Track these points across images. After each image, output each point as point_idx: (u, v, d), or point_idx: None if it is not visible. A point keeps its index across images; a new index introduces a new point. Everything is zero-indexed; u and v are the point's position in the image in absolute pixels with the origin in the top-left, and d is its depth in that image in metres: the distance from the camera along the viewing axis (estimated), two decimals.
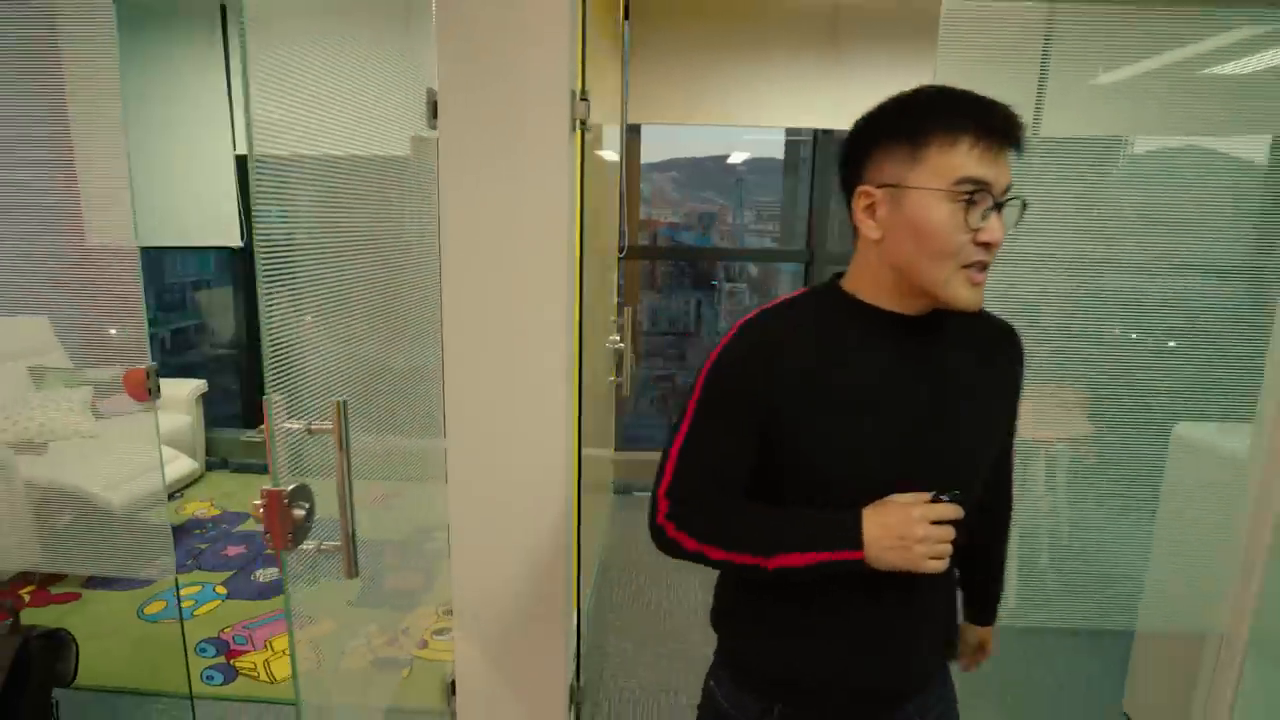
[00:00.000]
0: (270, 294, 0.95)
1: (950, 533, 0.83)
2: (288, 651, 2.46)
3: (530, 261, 1.38)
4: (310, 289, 1.10)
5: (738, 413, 0.88)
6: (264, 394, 0.96)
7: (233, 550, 3.17)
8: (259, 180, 0.90)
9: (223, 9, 3.65)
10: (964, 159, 0.79)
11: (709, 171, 5.66)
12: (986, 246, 0.81)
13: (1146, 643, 2.16)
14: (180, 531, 3.30)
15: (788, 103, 3.56)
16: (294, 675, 1.21)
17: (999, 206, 0.81)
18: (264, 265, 0.92)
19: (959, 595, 1.14)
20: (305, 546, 1.05)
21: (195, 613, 2.68)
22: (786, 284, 5.43)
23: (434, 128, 1.40)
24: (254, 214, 0.90)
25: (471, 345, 1.39)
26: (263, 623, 2.62)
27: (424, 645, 2.25)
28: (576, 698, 1.78)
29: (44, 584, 2.81)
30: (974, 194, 0.80)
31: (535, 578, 1.52)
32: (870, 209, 0.86)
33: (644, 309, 5.33)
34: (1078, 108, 1.81)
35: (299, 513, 1.00)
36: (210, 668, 2.35)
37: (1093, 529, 1.74)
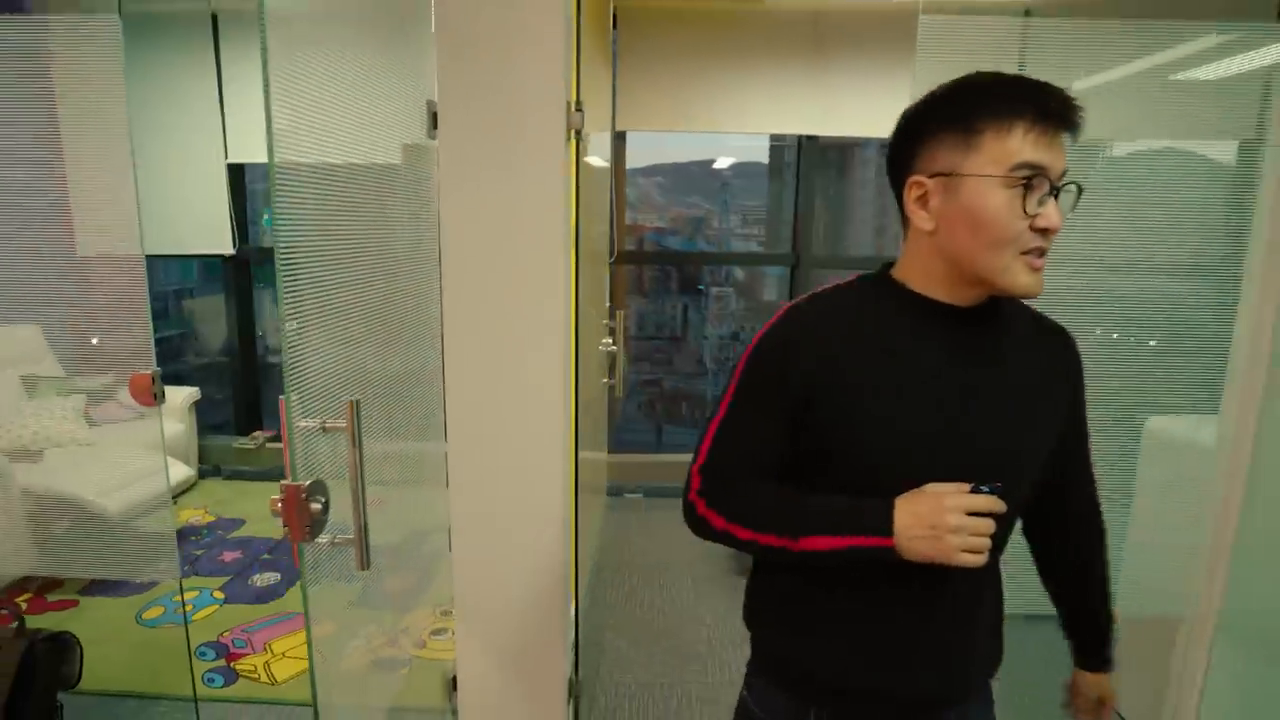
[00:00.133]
0: (291, 299, 1.00)
1: (988, 525, 0.80)
2: (288, 654, 2.49)
3: (528, 268, 1.43)
4: (324, 294, 1.15)
5: (775, 396, 0.87)
6: (284, 394, 1.01)
7: (229, 556, 3.19)
8: (281, 188, 0.94)
9: (214, 18, 3.68)
10: (1020, 144, 0.78)
11: (694, 176, 5.71)
12: (1044, 232, 0.79)
13: (1123, 630, 2.23)
14: (175, 538, 3.31)
15: (772, 109, 3.64)
16: (311, 675, 1.25)
17: (1056, 191, 0.80)
18: (284, 271, 0.97)
19: (1069, 643, 1.10)
20: (320, 540, 1.10)
21: (194, 617, 2.70)
22: (773, 288, 5.49)
23: (433, 137, 1.46)
24: (276, 221, 0.94)
25: (472, 349, 1.44)
26: (261, 626, 2.65)
27: (422, 645, 2.29)
28: (575, 691, 1.83)
29: (41, 591, 2.82)
30: (1031, 179, 0.78)
31: (535, 575, 1.56)
32: (922, 199, 0.84)
33: (631, 314, 5.38)
34: None
35: (316, 506, 1.04)
36: (211, 670, 2.38)
37: None
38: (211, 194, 3.79)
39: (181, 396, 3.82)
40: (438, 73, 1.39)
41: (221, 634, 2.59)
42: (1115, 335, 1.89)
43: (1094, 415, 0.98)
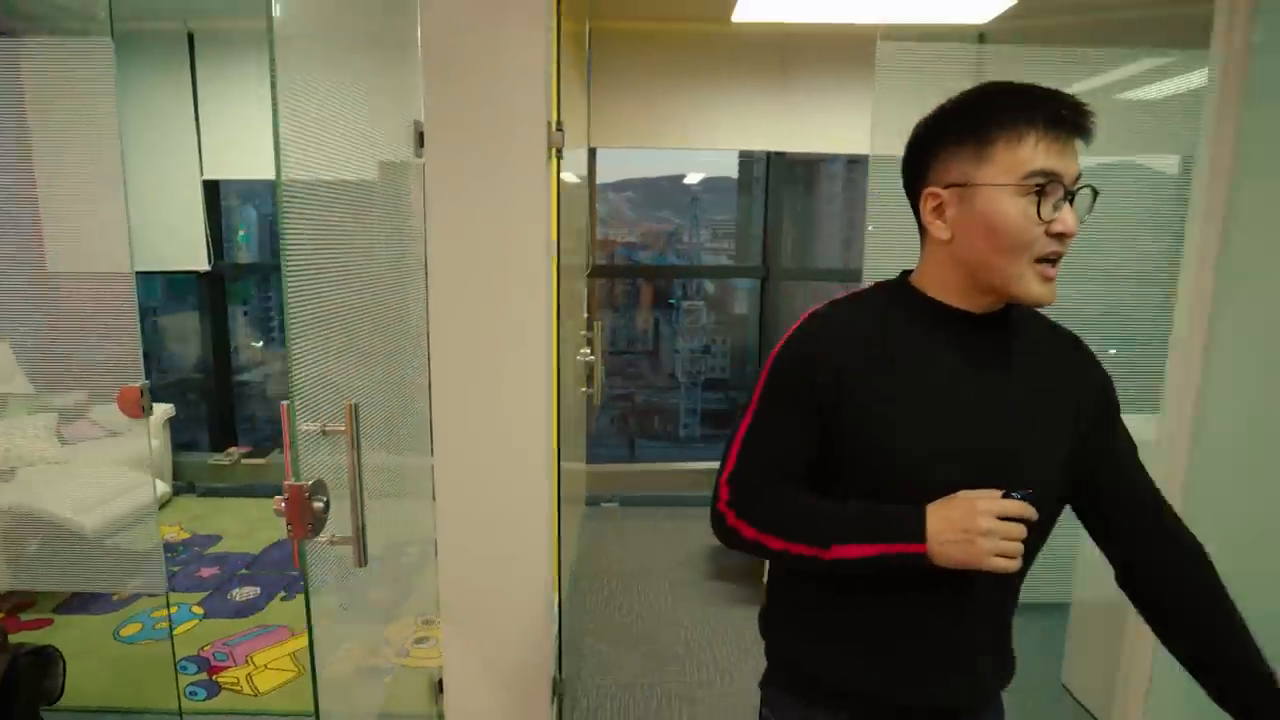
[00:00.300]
0: (294, 311, 1.06)
1: (1021, 530, 0.79)
2: (270, 665, 2.50)
3: (512, 283, 1.50)
4: (322, 306, 1.21)
5: (799, 404, 0.88)
6: (287, 399, 1.06)
7: (206, 572, 3.18)
8: (288, 203, 1.00)
9: (190, 37, 3.71)
10: (1031, 153, 0.78)
11: (664, 191, 5.77)
12: (1060, 237, 0.80)
13: (1081, 617, 2.34)
14: (162, 550, 3.30)
15: (741, 126, 3.76)
16: (313, 676, 1.28)
17: (1070, 196, 0.81)
18: (291, 284, 1.03)
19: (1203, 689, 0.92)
20: (320, 539, 1.15)
21: (174, 632, 2.70)
22: (744, 300, 5.60)
23: (419, 155, 1.52)
24: (283, 236, 1.00)
25: (457, 361, 1.50)
26: (242, 639, 2.66)
27: (405, 654, 2.32)
28: (559, 690, 1.88)
29: (13, 611, 2.79)
30: (1045, 186, 0.79)
31: (520, 580, 1.62)
32: (938, 210, 0.86)
33: (604, 328, 5.43)
34: None
35: (318, 505, 1.10)
36: (193, 684, 2.38)
37: None
38: (187, 210, 3.80)
39: (157, 414, 3.80)
40: (424, 94, 1.47)
41: (202, 648, 2.59)
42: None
43: None
